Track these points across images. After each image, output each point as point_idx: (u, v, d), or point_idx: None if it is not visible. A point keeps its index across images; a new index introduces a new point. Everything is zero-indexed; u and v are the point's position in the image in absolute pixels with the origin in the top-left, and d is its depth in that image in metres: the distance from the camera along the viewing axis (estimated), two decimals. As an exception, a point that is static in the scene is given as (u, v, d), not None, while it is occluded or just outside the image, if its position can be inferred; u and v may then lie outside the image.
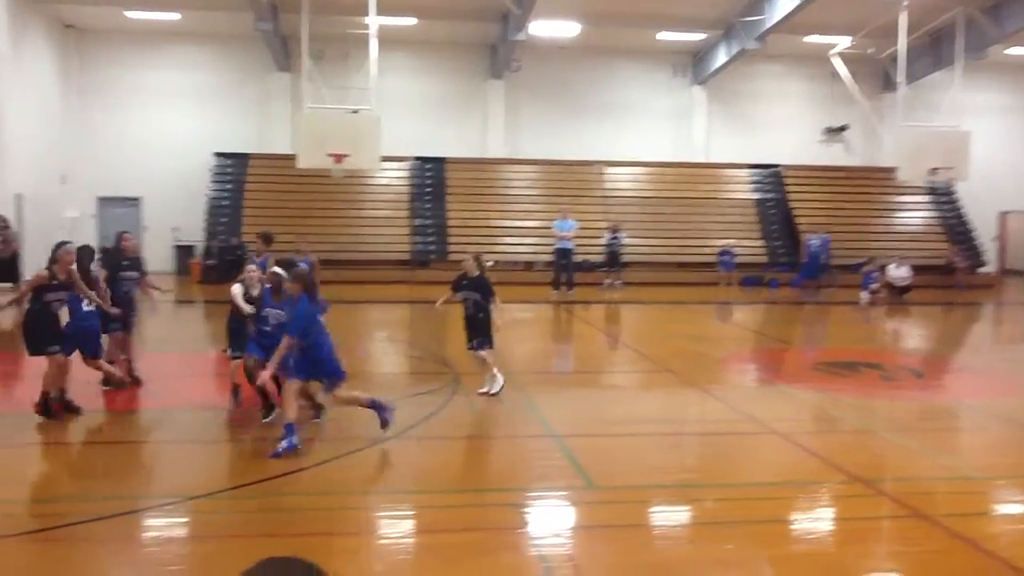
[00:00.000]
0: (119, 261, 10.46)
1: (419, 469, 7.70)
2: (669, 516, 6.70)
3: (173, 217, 26.26)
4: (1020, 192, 29.90)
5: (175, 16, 25.13)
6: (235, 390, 9.44)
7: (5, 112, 21.00)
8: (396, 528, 6.49)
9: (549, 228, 23.11)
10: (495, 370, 10.24)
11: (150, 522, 6.32)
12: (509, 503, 6.81)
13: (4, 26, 20.99)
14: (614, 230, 23.87)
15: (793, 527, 6.49)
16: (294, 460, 7.57)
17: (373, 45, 21.69)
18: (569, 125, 28.62)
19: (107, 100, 26.84)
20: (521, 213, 26.73)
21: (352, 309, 18.81)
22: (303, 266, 9.24)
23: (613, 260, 23.79)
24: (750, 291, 24.63)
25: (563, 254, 21.76)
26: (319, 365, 7.97)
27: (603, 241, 24.02)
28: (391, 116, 23.25)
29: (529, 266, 25.22)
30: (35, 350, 8.84)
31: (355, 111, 21.78)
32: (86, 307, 9.13)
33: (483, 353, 10.30)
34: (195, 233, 25.63)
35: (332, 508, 6.64)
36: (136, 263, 10.64)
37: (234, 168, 26.70)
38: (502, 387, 10.19)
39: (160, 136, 26.76)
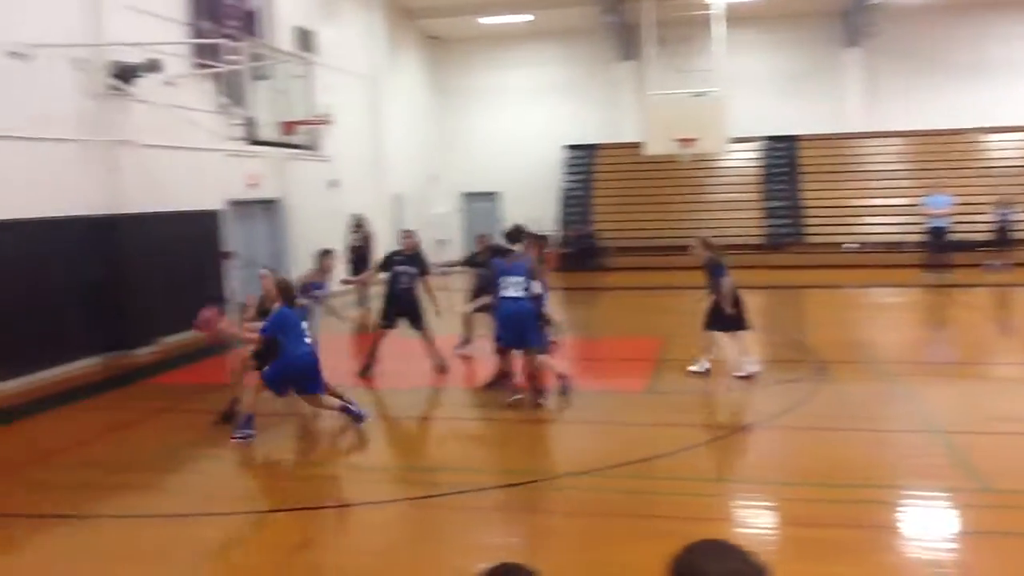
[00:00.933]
0: (393, 257, 11.05)
1: (785, 460, 7.25)
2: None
3: (529, 209, 27.55)
4: None
5: (525, 18, 26.36)
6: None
7: (386, 120, 23.34)
8: (763, 519, 6.15)
9: (918, 206, 21.01)
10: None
11: (528, 496, 6.56)
12: (886, 501, 6.21)
13: (384, 44, 23.35)
14: (1004, 204, 21.07)
15: None
16: (657, 444, 7.48)
17: (717, 25, 21.09)
18: (937, 91, 25.81)
19: (466, 103, 28.85)
20: (884, 191, 24.60)
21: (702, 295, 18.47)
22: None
23: (1002, 239, 21.02)
24: None
25: (936, 233, 19.66)
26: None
27: (989, 218, 21.31)
28: (738, 96, 22.49)
29: (896, 247, 23.15)
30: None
31: (700, 94, 21.34)
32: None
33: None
34: (550, 224, 26.72)
35: (697, 494, 6.44)
36: (414, 259, 10.97)
37: (584, 159, 27.44)
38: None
39: (514, 133, 28.22)
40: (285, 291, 8.12)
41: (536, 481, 6.79)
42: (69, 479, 7.20)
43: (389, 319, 10.88)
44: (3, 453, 8.12)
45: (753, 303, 18.05)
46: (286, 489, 7.07)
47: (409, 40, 26.43)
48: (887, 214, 23.99)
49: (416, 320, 10.83)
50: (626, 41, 26.43)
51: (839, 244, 23.58)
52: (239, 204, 16.17)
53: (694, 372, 10.12)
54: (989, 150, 24.87)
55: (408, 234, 11.51)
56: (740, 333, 10.10)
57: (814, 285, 19.20)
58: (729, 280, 10.07)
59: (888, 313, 16.71)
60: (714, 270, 10.23)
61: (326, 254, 10.17)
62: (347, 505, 6.70)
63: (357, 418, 8.29)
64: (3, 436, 8.79)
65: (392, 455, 8.27)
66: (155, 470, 7.41)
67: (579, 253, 23.15)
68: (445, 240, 27.76)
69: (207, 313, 8.21)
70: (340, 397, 8.49)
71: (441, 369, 10.70)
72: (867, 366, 10.89)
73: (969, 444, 7.36)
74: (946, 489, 6.30)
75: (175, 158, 13.91)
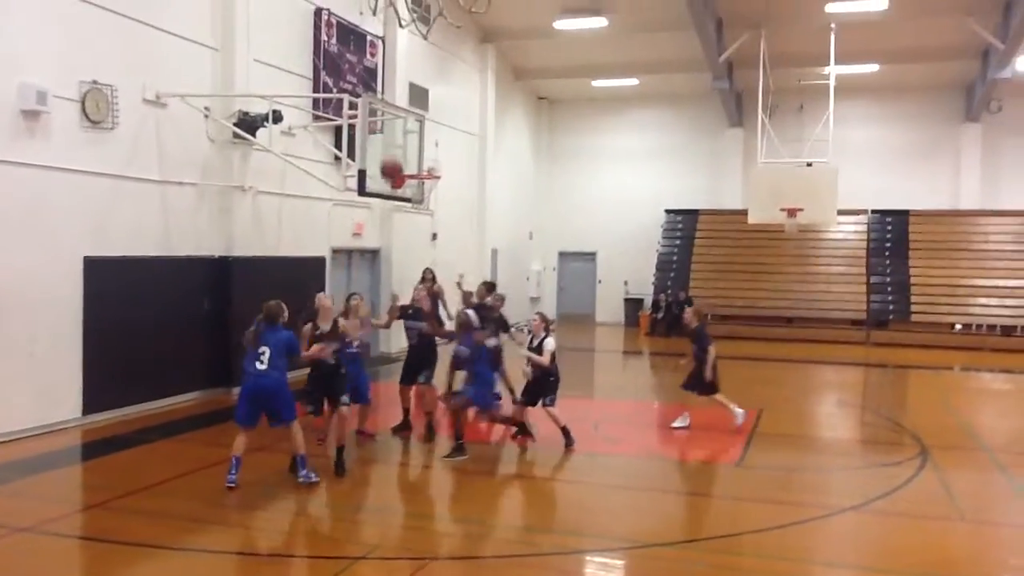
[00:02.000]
0: (405, 310, 10.87)
1: (881, 546, 6.96)
2: None
3: (625, 271, 27.55)
4: None
5: (634, 81, 26.63)
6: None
7: (489, 176, 23.79)
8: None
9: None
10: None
11: (619, 562, 6.50)
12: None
13: (493, 102, 23.91)
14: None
15: None
16: (751, 521, 7.33)
17: (830, 95, 20.91)
18: (1060, 170, 24.90)
19: (570, 162, 29.17)
20: (998, 271, 23.67)
21: (803, 368, 18.05)
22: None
23: None
24: None
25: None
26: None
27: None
28: (848, 167, 22.10)
29: (1009, 331, 22.20)
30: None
31: (810, 164, 21.07)
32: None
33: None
34: (644, 286, 26.59)
35: (780, 575, 6.25)
36: (416, 313, 10.75)
37: (684, 224, 27.32)
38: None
39: (615, 194, 28.35)
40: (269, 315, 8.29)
41: (626, 548, 6.72)
42: (164, 508, 7.46)
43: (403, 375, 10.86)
44: (105, 481, 8.48)
45: (850, 379, 17.59)
46: (377, 535, 7.15)
47: (518, 99, 26.99)
48: (1000, 295, 23.06)
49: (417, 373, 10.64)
50: (734, 108, 26.39)
51: (947, 323, 22.76)
52: (343, 252, 16.68)
53: (677, 428, 11.00)
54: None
55: (418, 289, 11.33)
56: (714, 396, 11.05)
57: (920, 365, 18.53)
58: (713, 350, 10.94)
59: (997, 399, 15.96)
60: (702, 339, 11.03)
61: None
62: (432, 558, 6.71)
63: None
64: (109, 464, 9.19)
65: (483, 511, 8.28)
66: (249, 508, 7.62)
67: (672, 318, 22.90)
68: (538, 297, 27.96)
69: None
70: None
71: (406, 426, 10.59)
72: (973, 453, 10.42)
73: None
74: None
75: (287, 205, 14.50)
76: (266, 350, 8.06)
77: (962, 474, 9.29)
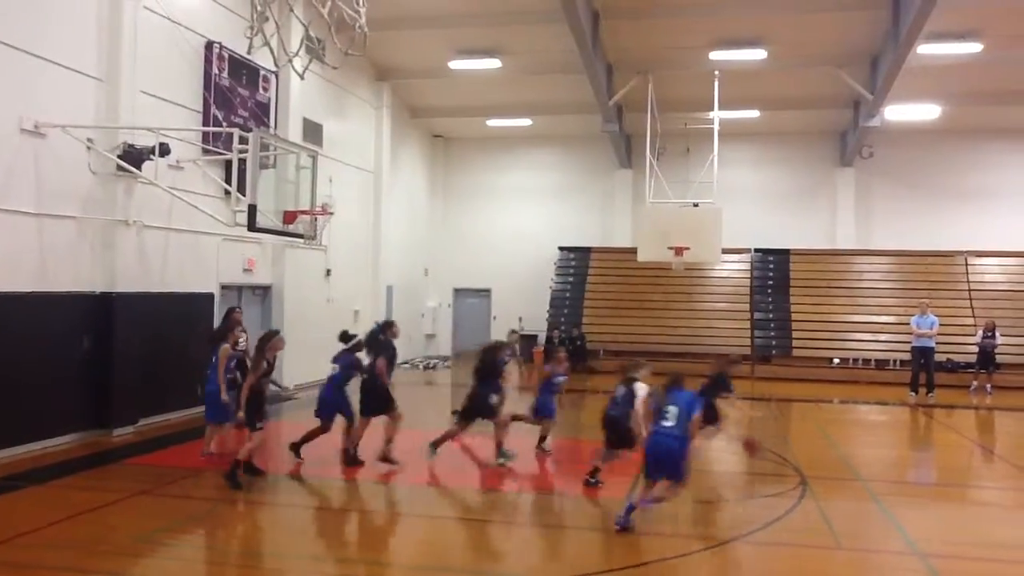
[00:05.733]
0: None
1: (764, 576, 7.19)
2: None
3: (519, 307, 27.78)
4: None
5: (528, 122, 27.10)
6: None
7: (384, 213, 23.72)
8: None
9: (905, 324, 21.26)
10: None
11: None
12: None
13: (388, 139, 23.92)
14: (989, 328, 21.32)
15: None
16: (635, 554, 7.45)
17: (709, 138, 21.81)
18: (927, 213, 26.46)
19: (465, 200, 29.37)
20: (872, 308, 24.94)
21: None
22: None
23: (986, 361, 21.20)
24: None
25: (922, 353, 19.83)
26: None
27: (975, 339, 21.56)
28: (732, 208, 23.00)
29: (882, 365, 23.34)
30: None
31: (696, 204, 21.84)
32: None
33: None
34: (539, 323, 26.85)
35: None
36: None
37: (577, 261, 27.80)
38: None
39: (510, 231, 28.67)
40: None
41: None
42: (35, 560, 7.09)
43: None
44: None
45: (736, 413, 18.09)
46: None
47: (414, 136, 27.10)
48: (874, 331, 24.26)
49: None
50: (625, 150, 27.13)
51: (826, 358, 23.77)
52: (233, 288, 16.32)
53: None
54: (973, 273, 25.34)
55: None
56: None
57: (800, 399, 19.27)
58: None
59: (872, 431, 16.73)
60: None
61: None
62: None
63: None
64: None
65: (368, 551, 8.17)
66: (128, 555, 7.32)
67: (568, 354, 23.14)
68: (434, 335, 27.92)
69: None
70: None
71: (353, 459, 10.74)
72: (849, 483, 10.89)
73: (953, 570, 7.34)
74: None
75: (174, 240, 14.13)
76: None
77: (839, 503, 9.68)
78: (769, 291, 25.96)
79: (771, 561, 7.61)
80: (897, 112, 23.82)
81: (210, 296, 15.16)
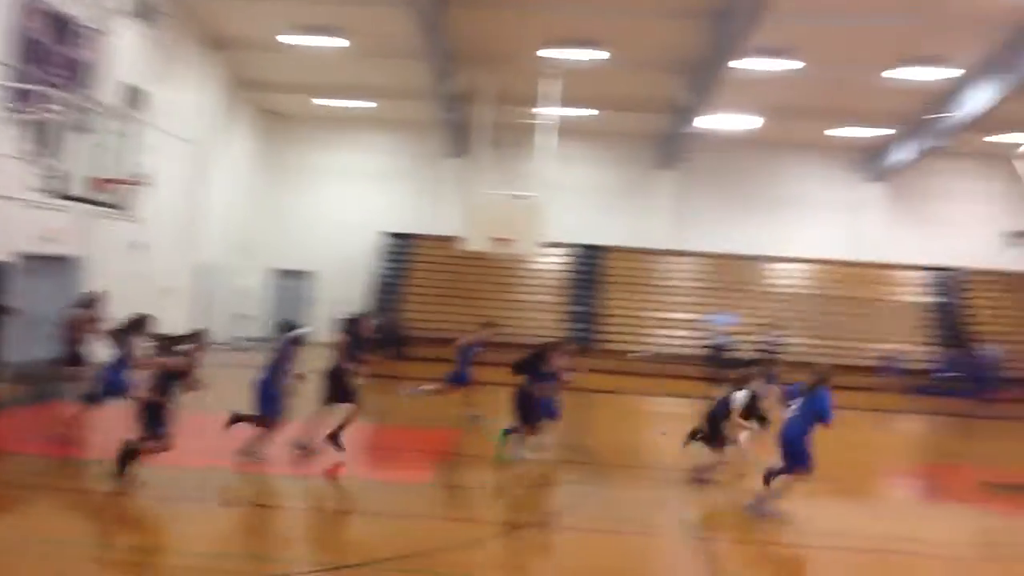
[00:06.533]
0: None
1: (558, 561, 7.65)
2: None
3: (341, 291, 27.50)
4: None
5: (361, 104, 26.90)
6: None
7: (207, 188, 22.97)
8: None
9: (703, 322, 22.73)
10: None
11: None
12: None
13: (216, 111, 23.13)
14: (774, 328, 23.09)
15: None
16: (426, 539, 7.72)
17: (544, 134, 22.43)
18: (738, 218, 28.33)
19: (294, 179, 28.79)
20: (679, 306, 26.48)
21: (500, 391, 18.97)
22: None
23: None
24: (918, 400, 23.05)
25: (717, 349, 21.33)
26: None
27: (757, 339, 23.27)
28: (557, 203, 23.57)
29: (684, 359, 24.83)
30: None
31: (520, 197, 22.37)
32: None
33: None
34: (360, 308, 26.69)
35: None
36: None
37: (401, 247, 27.92)
38: None
39: (336, 214, 28.35)
40: None
41: (310, 572, 6.87)
42: None
43: None
44: None
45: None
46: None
47: (244, 111, 26.33)
48: (678, 327, 25.79)
49: None
50: (457, 139, 27.43)
51: (633, 351, 25.04)
52: (34, 258, 15.43)
53: None
54: (772, 277, 27.46)
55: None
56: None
57: (603, 390, 20.17)
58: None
59: (667, 422, 17.82)
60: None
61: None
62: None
63: None
64: None
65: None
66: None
67: (382, 340, 23.21)
68: (248, 315, 26.98)
69: None
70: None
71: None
72: (640, 471, 11.65)
73: (726, 552, 8.11)
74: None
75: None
76: None
77: (628, 492, 10.35)
78: (586, 285, 27.09)
79: (559, 545, 8.11)
80: (717, 121, 25.20)
81: (5, 265, 14.28)
